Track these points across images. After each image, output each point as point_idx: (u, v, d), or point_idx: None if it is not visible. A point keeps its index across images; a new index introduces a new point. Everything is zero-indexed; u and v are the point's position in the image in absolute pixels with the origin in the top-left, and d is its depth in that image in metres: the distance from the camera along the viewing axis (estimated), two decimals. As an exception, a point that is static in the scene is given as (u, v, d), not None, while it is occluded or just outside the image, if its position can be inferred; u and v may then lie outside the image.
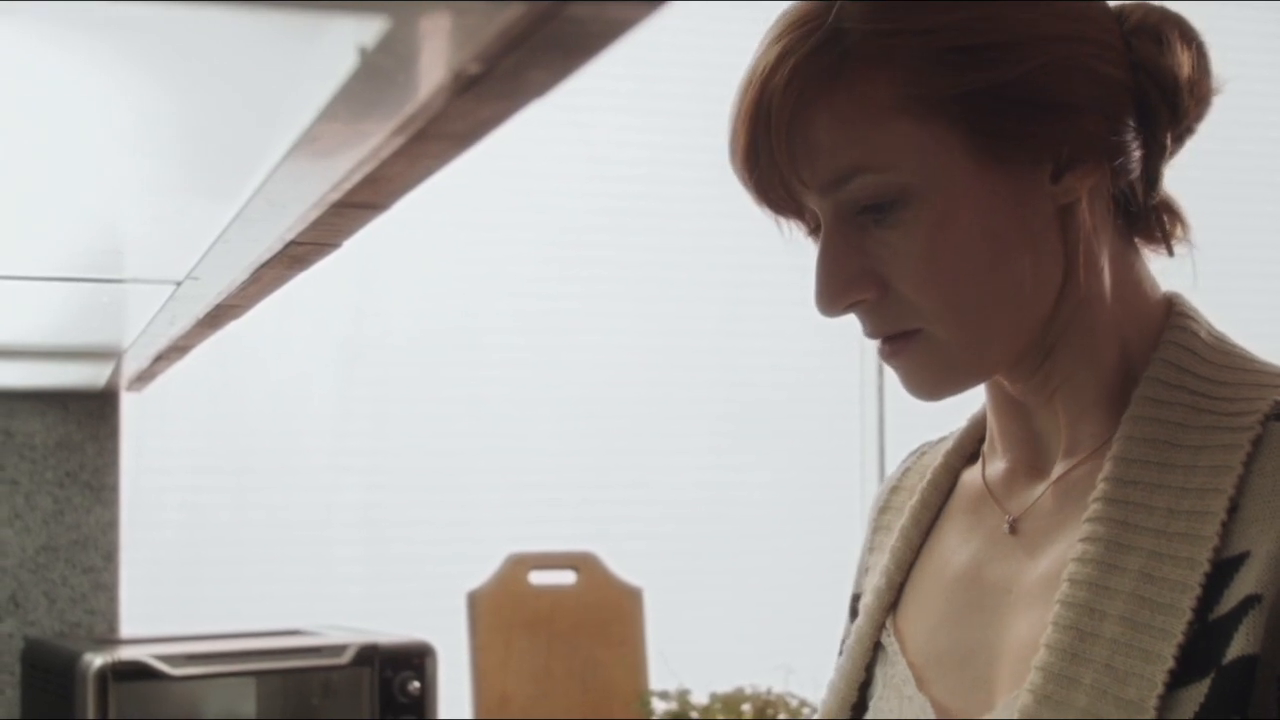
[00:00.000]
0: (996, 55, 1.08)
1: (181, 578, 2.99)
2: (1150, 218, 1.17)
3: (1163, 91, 1.12)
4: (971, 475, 1.27)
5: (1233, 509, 1.05)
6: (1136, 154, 1.13)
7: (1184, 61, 1.13)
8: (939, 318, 1.11)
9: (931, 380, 1.15)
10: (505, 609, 2.92)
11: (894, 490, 1.35)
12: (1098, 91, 1.10)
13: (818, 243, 1.15)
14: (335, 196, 0.84)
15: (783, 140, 1.10)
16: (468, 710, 2.85)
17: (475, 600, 2.89)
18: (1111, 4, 1.15)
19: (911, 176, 1.09)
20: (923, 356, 1.14)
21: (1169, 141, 1.14)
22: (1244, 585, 1.03)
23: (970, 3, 1.09)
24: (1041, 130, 1.09)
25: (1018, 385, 1.18)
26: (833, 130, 1.09)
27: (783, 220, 1.18)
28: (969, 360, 1.14)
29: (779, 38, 1.11)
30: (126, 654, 2.29)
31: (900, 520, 1.29)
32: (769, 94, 1.10)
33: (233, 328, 1.56)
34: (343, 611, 2.95)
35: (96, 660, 2.26)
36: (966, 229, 1.10)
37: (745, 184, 1.15)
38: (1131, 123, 1.12)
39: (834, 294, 1.13)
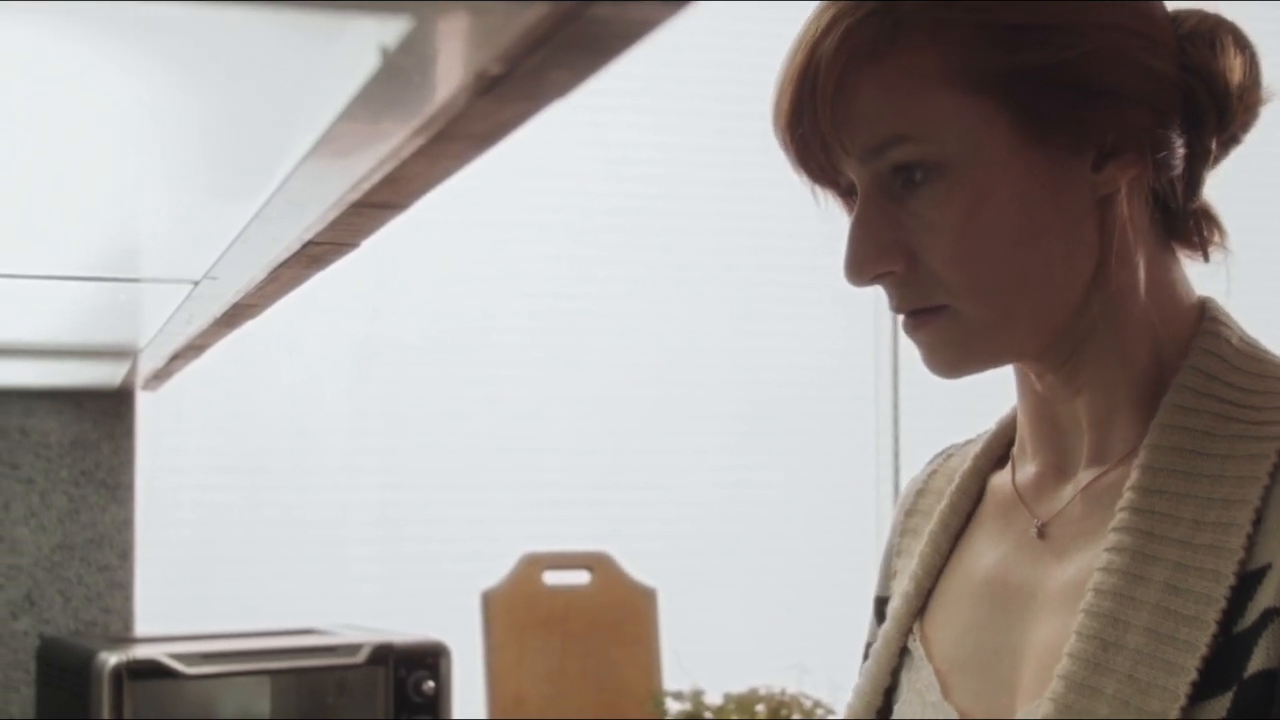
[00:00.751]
0: (1048, 37, 1.08)
1: (196, 576, 2.99)
2: (1189, 222, 1.17)
3: (1212, 95, 1.12)
4: (1001, 479, 1.26)
5: (1258, 520, 1.05)
6: (1180, 153, 1.13)
7: (1236, 68, 1.13)
8: (966, 294, 1.11)
9: (953, 357, 1.15)
10: (520, 609, 2.92)
11: (920, 493, 1.34)
12: (1147, 85, 1.10)
13: (851, 215, 1.15)
14: (355, 196, 0.84)
15: (827, 104, 1.10)
16: (482, 710, 2.85)
17: (490, 600, 2.89)
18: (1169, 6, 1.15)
19: (952, 149, 1.09)
20: (947, 333, 1.13)
21: (1214, 147, 1.14)
22: (1265, 598, 1.02)
23: None
24: (1086, 116, 1.09)
25: (1046, 378, 1.18)
26: (878, 97, 1.10)
27: (818, 190, 1.18)
28: (992, 340, 1.13)
29: (833, 2, 1.12)
30: (141, 653, 2.29)
31: (928, 524, 1.28)
32: (818, 57, 1.11)
33: (248, 327, 1.56)
34: (357, 611, 2.95)
35: (111, 659, 2.26)
36: (1001, 207, 1.10)
37: (785, 148, 1.16)
38: (1178, 122, 1.12)
39: (863, 263, 1.13)
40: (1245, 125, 1.15)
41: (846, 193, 1.17)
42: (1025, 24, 1.08)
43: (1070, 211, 1.11)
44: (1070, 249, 1.12)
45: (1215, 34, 1.13)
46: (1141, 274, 1.15)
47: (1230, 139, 1.15)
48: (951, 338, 1.14)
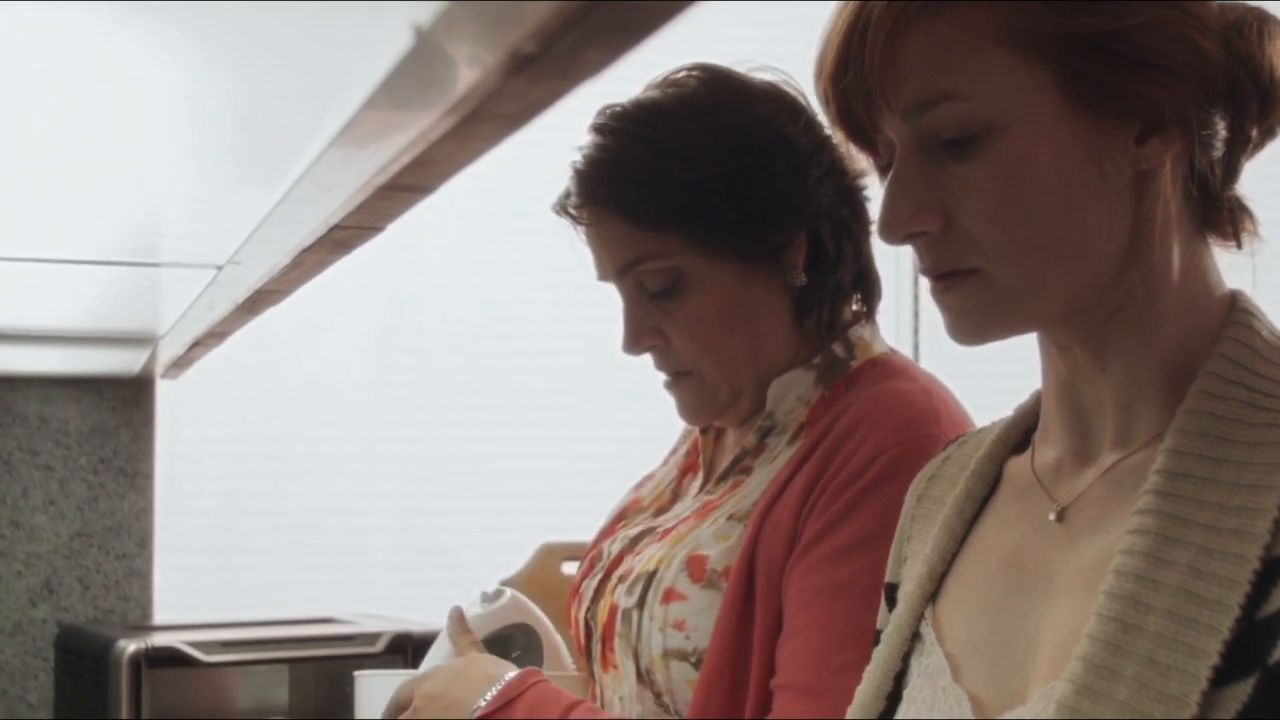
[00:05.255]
0: (1103, 5, 1.08)
1: (215, 565, 2.99)
2: (1223, 209, 1.16)
3: (1256, 82, 1.12)
4: (1019, 464, 1.26)
5: None
6: (1221, 136, 1.13)
7: None
8: (1000, 257, 1.11)
9: (980, 322, 1.15)
10: (537, 598, 2.89)
11: (932, 479, 1.33)
12: (1195, 63, 1.10)
13: (885, 176, 1.14)
14: (382, 179, 0.83)
15: (875, 56, 1.10)
16: (500, 700, 2.84)
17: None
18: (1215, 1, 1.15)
19: (998, 109, 1.09)
20: (976, 296, 1.13)
21: (1254, 135, 1.14)
22: None
23: None
24: (1135, 88, 1.09)
25: (1071, 352, 1.17)
26: (928, 52, 1.10)
27: (853, 150, 1.18)
28: (1021, 305, 1.13)
29: None
30: (160, 640, 2.29)
31: (941, 510, 1.28)
32: (870, 9, 1.11)
33: (269, 314, 1.56)
34: (376, 600, 2.95)
35: (130, 647, 2.26)
36: (1043, 171, 1.10)
37: (825, 103, 1.16)
38: (1222, 105, 1.12)
39: (899, 221, 1.13)
40: None
41: (883, 153, 1.17)
42: None
43: (1111, 183, 1.11)
44: (1108, 220, 1.12)
45: (1263, 25, 1.14)
46: (1175, 256, 1.14)
47: (1269, 130, 1.15)
48: (979, 302, 1.13)
